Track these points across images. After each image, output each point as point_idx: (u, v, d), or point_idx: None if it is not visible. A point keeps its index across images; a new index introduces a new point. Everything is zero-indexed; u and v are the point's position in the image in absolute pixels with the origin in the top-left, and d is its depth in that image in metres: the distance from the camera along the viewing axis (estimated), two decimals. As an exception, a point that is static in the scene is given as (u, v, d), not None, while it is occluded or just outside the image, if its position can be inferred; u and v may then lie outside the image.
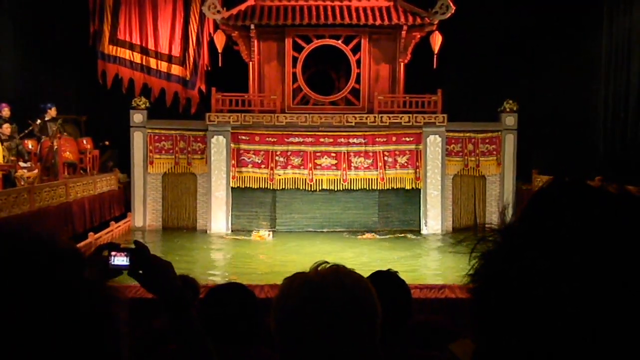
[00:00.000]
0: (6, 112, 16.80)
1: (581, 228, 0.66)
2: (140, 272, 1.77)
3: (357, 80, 19.56)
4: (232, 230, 19.05)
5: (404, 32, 19.13)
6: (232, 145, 19.03)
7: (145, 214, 19.37)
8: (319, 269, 1.32)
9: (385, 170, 19.12)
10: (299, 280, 1.31)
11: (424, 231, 19.11)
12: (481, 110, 19.60)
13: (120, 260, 1.78)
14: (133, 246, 1.81)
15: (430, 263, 15.23)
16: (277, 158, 19.12)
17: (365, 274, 1.94)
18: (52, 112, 18.36)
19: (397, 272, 2.74)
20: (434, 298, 6.16)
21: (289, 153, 19.14)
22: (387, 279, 2.65)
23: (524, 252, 0.69)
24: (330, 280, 1.28)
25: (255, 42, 19.36)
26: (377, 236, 18.32)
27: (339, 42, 19.45)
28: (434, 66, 19.04)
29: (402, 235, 18.52)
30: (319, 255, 14.16)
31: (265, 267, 14.13)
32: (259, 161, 19.12)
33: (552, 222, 0.69)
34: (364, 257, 15.24)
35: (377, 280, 2.52)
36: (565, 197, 0.70)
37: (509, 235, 0.73)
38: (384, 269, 2.77)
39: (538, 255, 0.68)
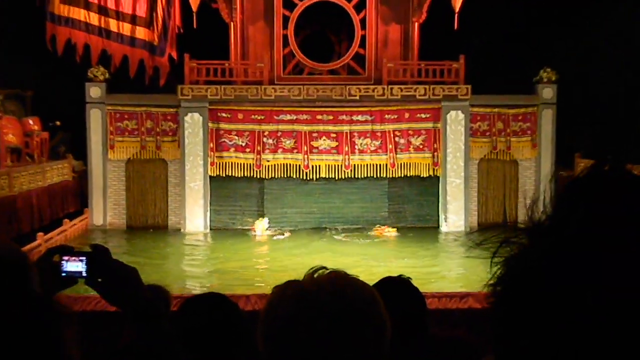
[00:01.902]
0: None
1: (624, 226, 0.67)
2: (100, 280, 1.78)
3: (362, 44, 19.52)
4: (211, 229, 19.09)
5: (418, -14, 19.13)
6: (210, 124, 19.02)
7: (106, 210, 19.38)
8: (315, 275, 1.32)
9: (396, 154, 19.13)
10: (291, 289, 1.31)
11: (443, 228, 19.17)
12: (513, 80, 19.59)
13: (74, 266, 1.79)
14: (90, 249, 1.82)
15: (451, 267, 15.26)
16: (264, 140, 19.11)
17: (372, 281, 1.96)
18: (-10, 85, 18.33)
19: (409, 278, 2.75)
20: (455, 309, 6.18)
21: (279, 134, 19.13)
22: (397, 287, 2.67)
23: (554, 257, 0.70)
24: (329, 289, 1.29)
25: (238, -2, 19.33)
26: (391, 232, 18.31)
27: (340, -2, 19.43)
28: (455, 27, 18.97)
29: (417, 233, 18.55)
30: (315, 258, 14.24)
31: (252, 274, 14.16)
32: (243, 144, 19.11)
33: (587, 218, 0.69)
34: (370, 260, 15.26)
35: (385, 288, 2.53)
36: (604, 188, 0.70)
37: (536, 235, 0.73)
38: (394, 274, 2.78)
39: (571, 260, 0.68)
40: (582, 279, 0.67)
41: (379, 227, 18.77)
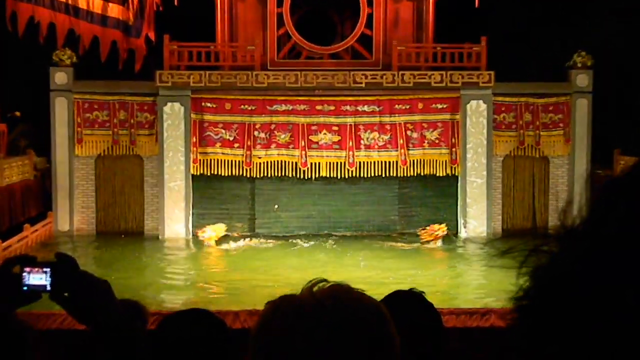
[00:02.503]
0: None
1: None
2: (66, 294, 1.78)
3: (369, 25, 19.53)
4: (193, 235, 19.08)
5: (433, -44, 19.14)
6: (193, 115, 19.03)
7: (72, 213, 19.38)
8: (315, 289, 1.32)
9: (408, 149, 19.14)
10: (286, 305, 1.31)
11: (462, 234, 19.18)
12: (542, 65, 19.59)
13: (37, 278, 1.79)
14: (55, 259, 1.82)
15: (471, 280, 15.27)
16: (256, 133, 19.12)
17: (380, 295, 1.96)
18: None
19: (422, 292, 2.76)
20: (475, 327, 6.19)
21: (272, 126, 19.14)
22: (409, 302, 2.67)
23: (589, 259, 0.70)
24: (329, 304, 1.28)
25: (225, -30, 19.33)
26: (441, 230, 18.14)
27: (343, -30, 19.44)
28: (476, 5, 18.99)
29: (431, 240, 18.56)
30: (314, 270, 14.24)
31: (242, 287, 14.17)
32: (231, 138, 19.12)
33: (629, 217, 0.70)
34: (377, 271, 15.27)
35: (395, 304, 2.53)
36: None
37: (569, 241, 0.74)
38: (405, 287, 2.79)
39: (609, 260, 0.69)
40: (621, 279, 0.68)
41: (424, 229, 18.41)
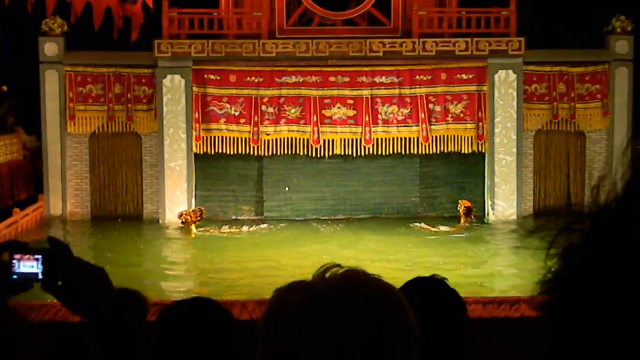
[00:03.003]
0: None
1: None
2: (60, 283, 1.79)
3: (386, -13, 19.44)
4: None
5: None
6: (195, 88, 19.03)
7: (65, 196, 19.47)
8: (327, 275, 1.32)
9: (430, 124, 19.10)
10: (296, 292, 1.31)
11: (490, 217, 19.16)
12: (577, 31, 19.43)
13: (28, 266, 1.80)
14: (47, 246, 1.83)
15: (500, 266, 15.25)
16: (263, 108, 19.11)
17: (399, 282, 1.97)
18: None
19: (445, 279, 2.77)
20: (503, 317, 6.20)
21: (282, 100, 19.12)
22: (429, 290, 2.68)
23: (623, 247, 0.71)
24: (343, 291, 1.29)
25: None
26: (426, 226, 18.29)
27: None
28: (505, -37, 18.81)
29: (456, 224, 18.55)
30: (327, 256, 14.27)
31: (249, 276, 14.22)
32: (237, 113, 19.13)
33: None
34: (396, 256, 15.28)
35: (415, 291, 2.54)
36: None
37: (601, 221, 0.75)
38: (426, 274, 2.80)
39: None
40: None
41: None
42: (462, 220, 18.57)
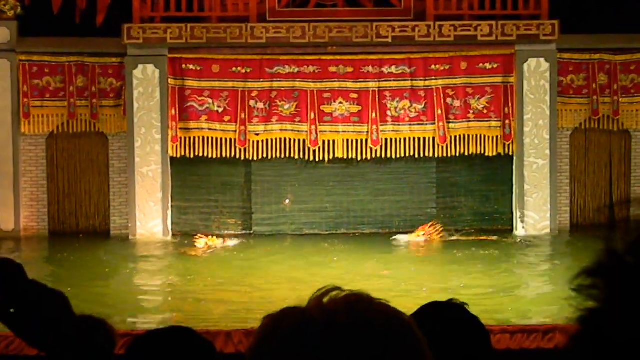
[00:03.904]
0: None
1: None
2: (12, 310, 1.80)
3: (396, -39, 19.48)
4: (173, 235, 19.16)
5: None
6: (172, 81, 19.04)
7: (19, 208, 19.45)
8: (326, 300, 1.33)
9: (448, 122, 19.11)
10: (289, 320, 1.31)
11: (519, 232, 19.15)
12: (620, 13, 19.46)
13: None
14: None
15: (530, 289, 15.24)
16: (252, 103, 19.12)
17: (410, 309, 1.97)
18: None
19: (464, 304, 2.77)
20: (535, 349, 6.19)
21: (273, 94, 19.14)
22: (447, 317, 2.68)
23: None
24: (344, 319, 1.28)
25: None
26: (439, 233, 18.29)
27: None
28: None
29: (480, 238, 18.55)
30: (328, 279, 14.23)
31: (235, 301, 14.21)
32: (220, 109, 19.14)
33: None
34: (407, 279, 15.27)
35: (429, 318, 2.55)
36: None
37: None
38: (441, 298, 2.81)
39: None
40: None
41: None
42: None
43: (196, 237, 18.36)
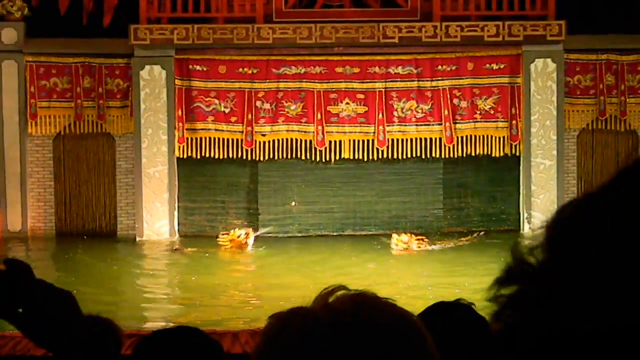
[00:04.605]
0: None
1: None
2: (20, 310, 1.80)
3: (403, -38, 19.47)
4: (180, 236, 19.16)
5: None
6: (178, 81, 19.03)
7: (26, 209, 19.45)
8: (331, 299, 1.33)
9: (454, 123, 19.09)
10: (295, 319, 1.31)
11: (526, 232, 19.12)
12: (627, 12, 19.41)
13: (-17, 290, 1.81)
14: (4, 267, 1.83)
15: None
16: (259, 104, 19.11)
17: (418, 308, 1.98)
18: None
19: (471, 304, 2.77)
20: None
21: (280, 95, 19.13)
22: (454, 317, 2.69)
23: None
24: (350, 318, 1.29)
25: None
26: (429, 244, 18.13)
27: None
28: None
29: (486, 239, 18.50)
30: (332, 279, 14.22)
31: (240, 302, 14.21)
32: (227, 110, 19.13)
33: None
34: (415, 280, 15.25)
35: (436, 318, 2.55)
36: None
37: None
38: (449, 298, 2.81)
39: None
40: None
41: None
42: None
43: (222, 234, 18.29)
